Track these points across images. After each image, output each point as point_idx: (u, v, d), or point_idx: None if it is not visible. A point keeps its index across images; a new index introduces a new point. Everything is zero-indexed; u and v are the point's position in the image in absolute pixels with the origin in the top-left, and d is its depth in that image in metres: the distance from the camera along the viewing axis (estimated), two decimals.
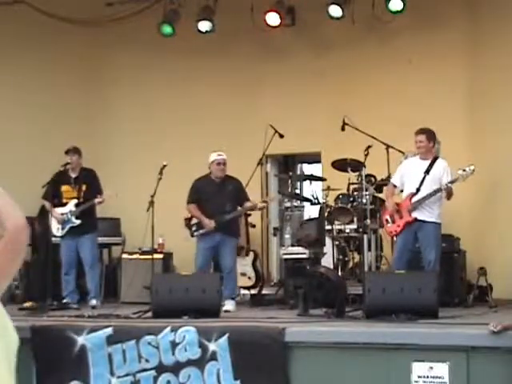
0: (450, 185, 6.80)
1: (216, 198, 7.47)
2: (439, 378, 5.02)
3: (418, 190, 6.95)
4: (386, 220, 7.21)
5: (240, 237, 8.03)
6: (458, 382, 4.98)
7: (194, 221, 7.58)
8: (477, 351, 4.96)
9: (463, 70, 9.05)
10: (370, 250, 8.14)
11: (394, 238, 7.28)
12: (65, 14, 9.64)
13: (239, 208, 7.57)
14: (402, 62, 9.31)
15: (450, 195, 6.92)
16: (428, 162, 7.01)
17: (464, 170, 6.85)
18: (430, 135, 7.07)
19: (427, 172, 6.97)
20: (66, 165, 7.82)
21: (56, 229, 7.85)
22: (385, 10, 8.73)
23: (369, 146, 7.81)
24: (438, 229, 6.97)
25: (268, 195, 7.54)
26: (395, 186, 7.27)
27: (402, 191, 7.16)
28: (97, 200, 7.67)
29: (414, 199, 6.95)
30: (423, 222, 6.91)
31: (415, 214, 6.91)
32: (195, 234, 7.55)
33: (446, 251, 7.74)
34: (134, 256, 8.48)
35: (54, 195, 7.86)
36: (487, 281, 7.38)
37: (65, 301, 7.70)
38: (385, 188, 7.89)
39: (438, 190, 6.86)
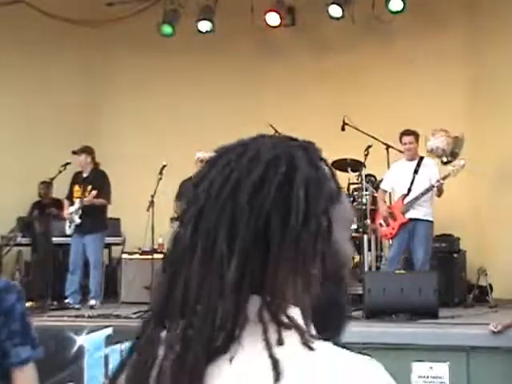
0: (442, 181, 6.87)
1: None
2: (439, 378, 5.02)
3: (409, 190, 7.05)
4: (380, 224, 7.32)
5: None
6: (457, 382, 4.98)
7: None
8: (477, 351, 4.96)
9: (463, 70, 9.05)
10: (370, 249, 8.13)
11: (390, 241, 7.34)
12: (65, 14, 9.63)
13: None
14: (402, 61, 9.31)
15: (440, 192, 6.99)
16: (415, 163, 7.12)
17: (454, 166, 6.93)
18: (417, 136, 7.21)
19: (416, 172, 7.08)
20: (65, 165, 7.86)
21: (67, 227, 7.91)
22: (385, 10, 8.73)
23: (369, 146, 7.81)
24: (430, 227, 7.08)
25: None
26: (385, 191, 7.35)
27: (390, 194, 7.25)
28: (85, 199, 7.68)
29: (406, 200, 7.04)
30: (417, 220, 7.00)
31: (409, 215, 7.01)
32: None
33: (446, 251, 7.75)
34: (134, 256, 8.47)
35: (68, 195, 8.01)
36: (487, 281, 7.39)
37: (67, 301, 7.70)
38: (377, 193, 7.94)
39: (430, 188, 6.95)
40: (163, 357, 0.89)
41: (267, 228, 0.89)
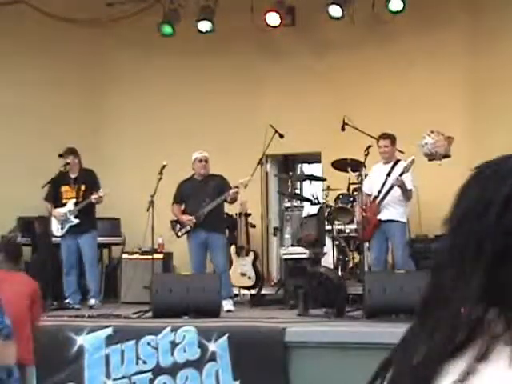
0: (399, 177, 6.98)
1: (196, 195, 7.52)
2: None
3: (379, 192, 7.23)
4: (355, 229, 7.69)
5: (225, 233, 8.08)
6: None
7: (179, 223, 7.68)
8: None
9: (463, 70, 9.05)
10: (370, 250, 8.14)
11: (367, 244, 7.57)
12: (65, 14, 9.64)
13: (217, 199, 7.53)
14: (402, 61, 9.31)
15: (405, 194, 7.07)
16: (390, 166, 7.29)
17: (405, 161, 7.09)
18: (394, 140, 7.37)
19: (389, 175, 7.24)
20: (65, 165, 7.85)
21: (56, 229, 7.86)
22: (385, 10, 8.73)
23: (369, 146, 7.80)
24: (403, 227, 7.24)
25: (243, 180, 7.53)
26: (369, 195, 7.41)
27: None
28: (93, 197, 7.67)
29: (378, 202, 7.23)
30: (389, 221, 7.15)
31: (380, 216, 7.17)
32: (179, 233, 7.58)
33: None
34: (134, 256, 8.48)
35: (54, 197, 7.89)
36: None
37: (66, 301, 7.70)
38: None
39: (392, 186, 7.07)
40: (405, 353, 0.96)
41: (508, 249, 0.92)
